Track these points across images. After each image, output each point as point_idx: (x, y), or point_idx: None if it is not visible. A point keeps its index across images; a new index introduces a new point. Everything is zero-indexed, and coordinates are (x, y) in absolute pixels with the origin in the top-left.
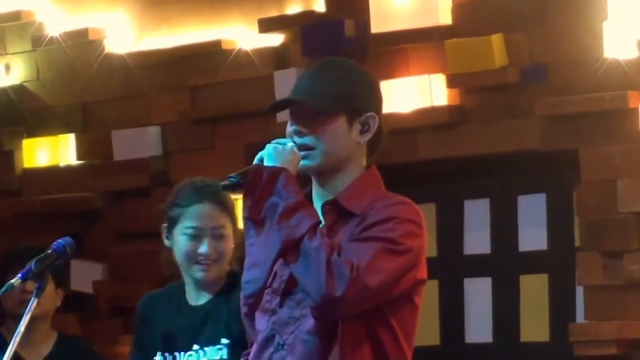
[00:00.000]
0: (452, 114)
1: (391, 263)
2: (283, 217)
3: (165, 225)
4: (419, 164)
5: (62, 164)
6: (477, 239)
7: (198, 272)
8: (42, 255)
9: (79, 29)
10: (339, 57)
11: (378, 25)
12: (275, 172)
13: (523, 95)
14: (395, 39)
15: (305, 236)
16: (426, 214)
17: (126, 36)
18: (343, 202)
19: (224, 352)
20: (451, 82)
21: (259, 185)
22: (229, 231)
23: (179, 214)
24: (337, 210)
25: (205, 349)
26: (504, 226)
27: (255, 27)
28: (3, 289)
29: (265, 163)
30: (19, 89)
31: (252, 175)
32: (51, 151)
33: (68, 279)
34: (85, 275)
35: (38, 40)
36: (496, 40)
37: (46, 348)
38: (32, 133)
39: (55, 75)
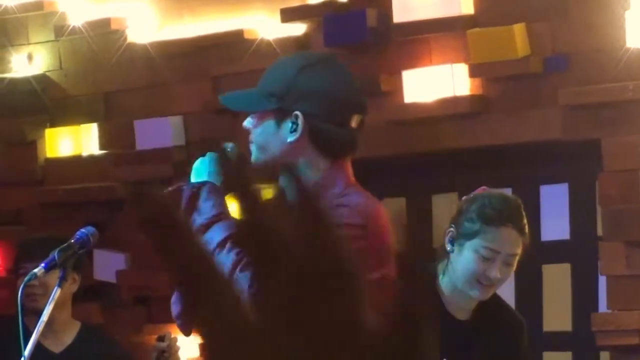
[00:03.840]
0: (474, 103)
1: None
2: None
3: (452, 229)
4: (441, 154)
5: (84, 153)
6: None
7: (475, 291)
8: (65, 245)
9: (101, 18)
10: (307, 52)
11: (400, 14)
12: (195, 188)
13: (545, 84)
14: (417, 28)
15: (215, 251)
16: (449, 204)
17: (148, 25)
18: None
19: None
20: (473, 72)
21: (182, 204)
22: (519, 255)
23: (479, 230)
24: None
25: None
26: (527, 216)
27: (277, 17)
28: (26, 278)
29: (192, 180)
30: (42, 79)
31: (173, 195)
32: (74, 141)
33: (85, 264)
34: (108, 264)
35: (60, 30)
36: (518, 29)
37: (69, 337)
38: (55, 123)
39: (78, 65)
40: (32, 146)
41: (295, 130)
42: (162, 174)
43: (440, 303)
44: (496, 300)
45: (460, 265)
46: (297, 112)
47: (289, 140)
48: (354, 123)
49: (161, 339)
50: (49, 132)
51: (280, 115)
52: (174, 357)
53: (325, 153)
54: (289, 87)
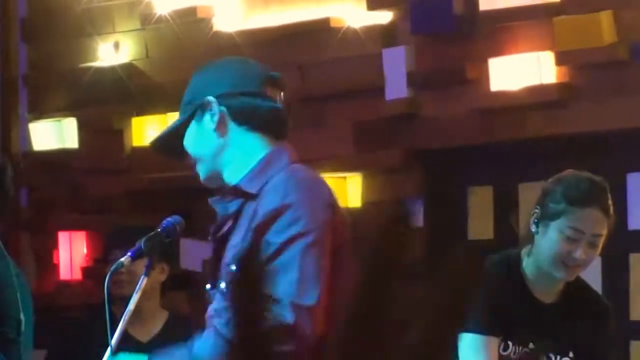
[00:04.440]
0: (560, 91)
1: None
2: None
3: (537, 210)
4: (528, 142)
5: None
6: None
7: (561, 272)
8: (152, 233)
9: (187, 7)
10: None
11: (487, 2)
12: None
13: (632, 72)
14: (503, 16)
15: None
16: (536, 192)
17: (235, 14)
18: (243, 185)
19: None
20: (560, 60)
21: None
22: (604, 236)
23: (564, 210)
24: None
25: (550, 355)
26: (613, 203)
27: (363, 5)
28: (113, 267)
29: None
30: (128, 68)
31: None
32: (160, 129)
33: (173, 254)
34: (195, 253)
35: (147, 19)
36: (605, 17)
37: (156, 326)
38: (141, 111)
39: (164, 54)
40: (118, 135)
41: (214, 115)
42: None
43: (524, 287)
44: (582, 284)
45: (545, 246)
46: (208, 97)
47: (212, 127)
48: (278, 98)
49: None
50: (136, 121)
51: (197, 112)
52: None
53: (255, 128)
54: (194, 89)
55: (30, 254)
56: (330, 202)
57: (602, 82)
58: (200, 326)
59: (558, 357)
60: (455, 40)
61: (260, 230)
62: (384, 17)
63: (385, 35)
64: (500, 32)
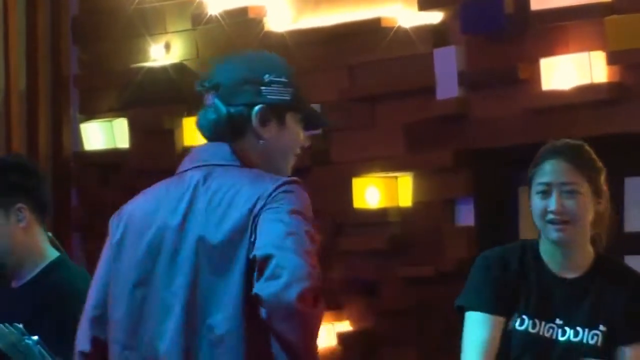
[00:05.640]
0: (612, 91)
1: None
2: None
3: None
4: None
5: None
6: (638, 217)
7: (552, 232)
8: None
9: (239, 7)
10: None
11: (538, 2)
12: None
13: None
14: (554, 15)
15: None
16: None
17: (286, 14)
18: None
19: (600, 339)
20: (611, 59)
21: None
22: (582, 189)
23: (534, 172)
24: None
25: (578, 328)
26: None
27: (414, 5)
28: None
29: None
30: (179, 68)
31: None
32: None
33: None
34: None
35: (198, 19)
36: None
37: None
38: (192, 111)
39: (215, 54)
40: (170, 135)
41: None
42: (299, 163)
43: (542, 265)
44: (611, 259)
45: (533, 213)
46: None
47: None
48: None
49: None
50: (187, 121)
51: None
52: None
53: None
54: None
55: (81, 255)
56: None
57: None
58: None
59: (587, 331)
60: (506, 40)
61: None
62: (435, 17)
63: (436, 35)
64: (551, 31)
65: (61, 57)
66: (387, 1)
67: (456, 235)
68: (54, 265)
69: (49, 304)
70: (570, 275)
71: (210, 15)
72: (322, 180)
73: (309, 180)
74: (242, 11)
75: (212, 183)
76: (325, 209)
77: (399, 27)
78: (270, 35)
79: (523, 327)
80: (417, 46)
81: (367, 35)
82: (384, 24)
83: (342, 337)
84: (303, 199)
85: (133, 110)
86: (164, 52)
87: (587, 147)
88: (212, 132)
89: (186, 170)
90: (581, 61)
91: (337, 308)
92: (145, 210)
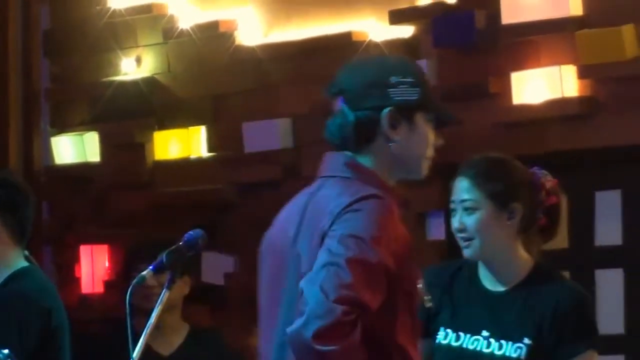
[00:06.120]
0: (583, 105)
1: None
2: None
3: None
4: (549, 156)
5: (193, 156)
6: (608, 230)
7: (462, 249)
8: (173, 247)
9: (209, 21)
10: None
11: (509, 16)
12: None
13: None
14: (525, 30)
15: None
16: None
17: (257, 28)
18: None
19: (524, 353)
20: (582, 73)
21: None
22: (481, 206)
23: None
24: None
25: (503, 341)
26: (636, 217)
27: (386, 19)
28: (135, 281)
29: None
30: (150, 82)
31: None
32: (182, 143)
33: (194, 266)
34: (217, 267)
35: (169, 33)
36: (627, 30)
37: (178, 340)
38: (163, 125)
39: (186, 68)
40: (140, 149)
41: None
42: (270, 177)
43: (475, 279)
44: (550, 273)
45: None
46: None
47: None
48: None
49: None
50: (158, 135)
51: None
52: None
53: None
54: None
55: (52, 268)
56: None
57: (624, 95)
58: (222, 339)
59: (510, 344)
60: (478, 54)
61: None
62: (406, 31)
63: (408, 49)
64: (522, 45)
65: (32, 71)
66: (358, 15)
67: (427, 250)
68: (17, 273)
69: (4, 309)
70: (501, 288)
71: (182, 29)
72: (293, 194)
73: (280, 194)
74: (213, 25)
75: (318, 197)
76: None
77: (370, 41)
78: (241, 49)
79: (446, 341)
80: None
81: (338, 49)
82: (355, 38)
83: None
84: (372, 219)
85: (104, 124)
86: (135, 65)
87: (501, 162)
88: (339, 139)
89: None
90: (552, 75)
91: None
92: (277, 224)
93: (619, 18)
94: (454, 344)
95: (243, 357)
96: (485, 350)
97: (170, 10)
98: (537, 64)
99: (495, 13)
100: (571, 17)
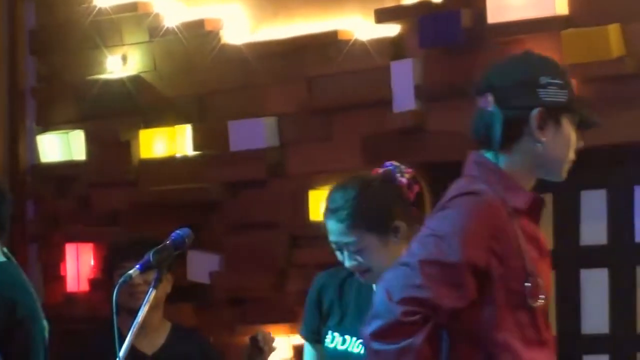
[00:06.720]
0: None
1: None
2: None
3: None
4: None
5: (178, 154)
6: (594, 230)
7: (361, 279)
8: (160, 246)
9: (195, 19)
10: None
11: (494, 15)
12: None
13: None
14: (511, 29)
15: None
16: None
17: (243, 27)
18: None
19: None
20: (568, 73)
21: None
22: (365, 243)
23: None
24: None
25: None
26: (621, 217)
27: (372, 18)
28: (121, 280)
29: None
30: (136, 80)
31: None
32: (168, 142)
33: (177, 263)
34: (202, 266)
35: (155, 31)
36: (613, 30)
37: (160, 339)
38: (149, 124)
39: (172, 66)
40: (126, 147)
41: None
42: (255, 175)
43: (364, 286)
44: None
45: None
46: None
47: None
48: None
49: (254, 338)
50: (143, 133)
51: None
52: (269, 349)
53: None
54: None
55: (37, 266)
56: None
57: (610, 95)
58: (206, 337)
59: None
60: (464, 53)
61: None
62: (393, 30)
63: (394, 48)
64: (508, 45)
65: (18, 69)
66: (345, 13)
67: None
68: None
69: None
70: None
71: (167, 28)
72: (278, 192)
73: (265, 193)
74: (199, 23)
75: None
76: (281, 222)
77: (356, 39)
78: (227, 47)
79: (333, 345)
80: (375, 59)
81: (324, 47)
82: (341, 36)
83: (298, 350)
84: (461, 217)
85: (90, 123)
86: (120, 64)
87: (361, 189)
88: (484, 136)
89: None
90: None
91: (292, 320)
92: None
93: (604, 17)
94: (339, 347)
95: (226, 356)
96: None
97: (156, 9)
98: None
99: (481, 12)
100: (557, 17)
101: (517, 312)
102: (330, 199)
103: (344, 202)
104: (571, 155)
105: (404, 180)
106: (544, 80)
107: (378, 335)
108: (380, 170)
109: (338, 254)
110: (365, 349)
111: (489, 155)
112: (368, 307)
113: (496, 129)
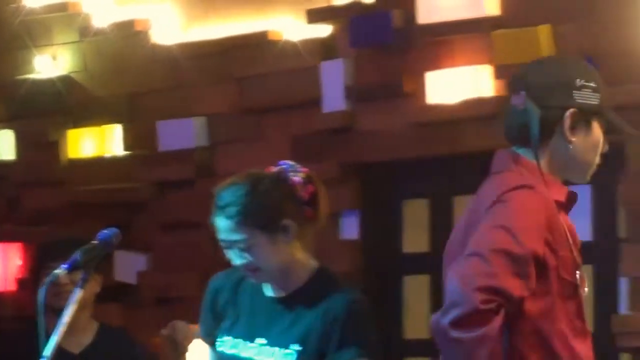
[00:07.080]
0: (498, 105)
1: None
2: None
3: None
4: (464, 156)
5: (107, 154)
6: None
7: (249, 278)
8: (88, 246)
9: (125, 20)
10: None
11: (425, 16)
12: None
13: None
14: (441, 29)
15: None
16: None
17: (173, 27)
18: None
19: (293, 359)
20: (498, 73)
21: None
22: (255, 241)
23: None
24: None
25: (275, 348)
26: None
27: (303, 18)
28: (48, 279)
29: None
30: (66, 80)
31: None
32: (97, 142)
33: (106, 263)
34: (130, 265)
35: (85, 31)
36: (543, 31)
37: (87, 338)
38: (78, 123)
39: (102, 66)
40: (54, 147)
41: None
42: (185, 175)
43: (258, 289)
44: (330, 275)
45: None
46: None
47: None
48: None
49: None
50: (72, 133)
51: None
52: (183, 338)
53: None
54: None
55: None
56: None
57: None
58: (133, 337)
59: (281, 350)
60: (394, 53)
61: None
62: (324, 30)
63: (325, 49)
64: (438, 45)
65: None
66: (276, 14)
67: (340, 249)
68: None
69: None
70: (282, 295)
71: (98, 28)
72: (207, 192)
73: (194, 193)
74: (129, 24)
75: (481, 195)
76: (209, 222)
77: (286, 40)
78: (157, 47)
79: (222, 348)
80: (305, 59)
81: (255, 48)
82: (270, 37)
83: None
84: (520, 208)
85: (19, 122)
86: (50, 63)
87: (251, 187)
88: (517, 133)
89: None
90: (467, 75)
91: None
92: (453, 230)
93: (535, 18)
94: (228, 351)
95: (153, 355)
96: (257, 358)
97: (86, 9)
98: (452, 63)
99: (412, 13)
100: (487, 17)
101: (568, 303)
102: (219, 196)
103: (233, 199)
104: (597, 159)
105: (297, 179)
106: (579, 82)
107: (458, 324)
108: (274, 169)
109: (227, 252)
110: (440, 338)
111: (521, 151)
112: (262, 310)
113: (534, 126)
